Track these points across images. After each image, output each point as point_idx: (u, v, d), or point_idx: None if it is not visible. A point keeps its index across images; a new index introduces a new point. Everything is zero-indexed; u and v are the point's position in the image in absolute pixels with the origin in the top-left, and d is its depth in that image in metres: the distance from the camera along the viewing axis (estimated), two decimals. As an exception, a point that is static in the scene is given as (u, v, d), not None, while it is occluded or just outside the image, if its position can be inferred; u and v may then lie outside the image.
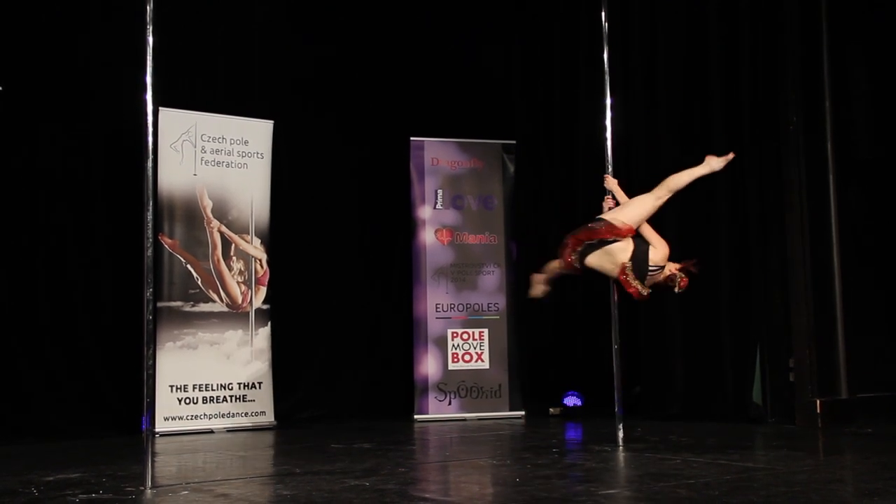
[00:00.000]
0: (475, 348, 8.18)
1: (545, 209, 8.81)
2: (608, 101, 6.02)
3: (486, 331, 8.22)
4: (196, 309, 7.37)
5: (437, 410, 8.03)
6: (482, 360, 8.17)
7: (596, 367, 8.02)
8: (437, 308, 8.17)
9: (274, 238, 7.82)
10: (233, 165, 7.66)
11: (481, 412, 8.06)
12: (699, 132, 7.70)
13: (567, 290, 8.53)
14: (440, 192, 8.33)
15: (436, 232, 8.28)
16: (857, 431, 6.34)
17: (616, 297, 5.83)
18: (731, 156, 5.81)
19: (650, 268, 5.42)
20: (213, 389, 7.35)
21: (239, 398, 7.45)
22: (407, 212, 8.40)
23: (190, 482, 4.60)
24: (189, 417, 7.22)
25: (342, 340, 8.48)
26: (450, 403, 8.07)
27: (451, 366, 8.12)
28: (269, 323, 7.70)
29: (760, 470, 4.66)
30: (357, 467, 4.94)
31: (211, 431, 7.25)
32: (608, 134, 6.01)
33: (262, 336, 7.64)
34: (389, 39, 8.85)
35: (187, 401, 7.23)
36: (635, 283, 5.40)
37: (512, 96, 9.10)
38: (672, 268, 5.45)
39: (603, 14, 6.08)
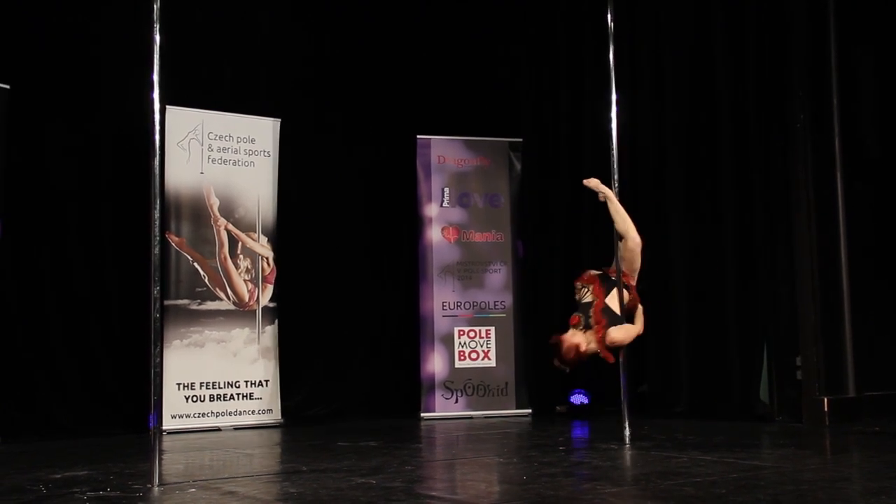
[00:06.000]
0: (482, 346, 8.18)
1: (552, 207, 8.80)
2: (613, 97, 6.00)
3: (492, 329, 8.23)
4: (203, 307, 7.39)
5: (444, 408, 8.04)
6: (489, 358, 8.18)
7: (602, 366, 7.99)
8: (443, 306, 8.17)
9: (281, 236, 7.84)
10: (239, 164, 7.67)
11: (488, 410, 8.06)
12: (706, 130, 7.69)
13: (573, 288, 8.51)
14: (447, 189, 8.34)
15: (442, 230, 8.29)
16: (864, 430, 6.32)
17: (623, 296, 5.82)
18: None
19: None
20: (219, 387, 7.36)
21: (246, 396, 7.47)
22: (413, 210, 8.40)
23: (197, 480, 4.61)
24: (196, 415, 7.24)
25: (349, 338, 8.48)
26: (456, 401, 8.08)
27: (458, 364, 8.13)
28: (276, 321, 7.71)
29: (767, 468, 4.65)
30: (364, 465, 4.94)
31: (218, 429, 7.26)
32: (613, 125, 5.97)
33: (269, 334, 7.66)
34: (396, 38, 8.85)
35: (194, 399, 7.25)
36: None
37: (518, 94, 9.09)
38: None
39: (609, 13, 6.05)
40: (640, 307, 5.52)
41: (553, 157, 8.84)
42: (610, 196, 5.70)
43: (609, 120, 6.00)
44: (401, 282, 8.75)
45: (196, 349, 7.32)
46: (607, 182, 5.92)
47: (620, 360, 5.81)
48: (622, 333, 5.39)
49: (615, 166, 5.97)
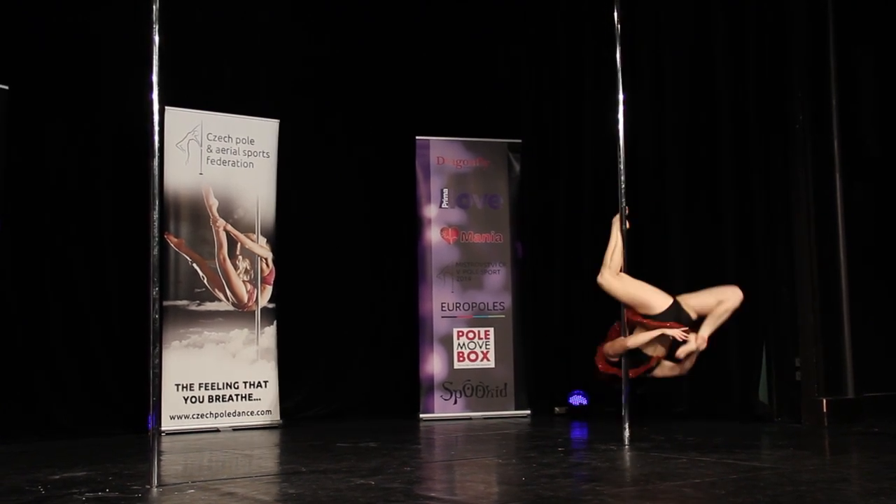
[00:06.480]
0: (481, 347, 8.18)
1: (551, 208, 8.80)
2: (620, 97, 5.96)
3: (491, 330, 8.22)
4: (202, 308, 7.38)
5: (443, 409, 8.03)
6: (488, 359, 8.17)
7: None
8: (442, 307, 8.17)
9: (280, 237, 7.83)
10: (239, 164, 7.67)
11: (487, 411, 8.06)
12: (706, 130, 7.68)
13: (573, 289, 8.53)
14: (446, 191, 8.34)
15: (441, 231, 8.29)
16: (863, 430, 6.33)
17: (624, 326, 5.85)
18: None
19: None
20: (218, 388, 7.36)
21: (245, 397, 7.46)
22: (412, 211, 8.40)
23: (196, 481, 4.61)
24: (195, 416, 7.23)
25: (348, 339, 8.48)
26: (455, 402, 8.07)
27: (457, 365, 8.12)
28: (275, 322, 7.71)
29: (766, 469, 4.65)
30: (363, 466, 4.94)
31: (217, 430, 7.26)
32: (620, 127, 5.94)
33: (268, 335, 7.65)
34: (395, 38, 8.84)
35: (193, 399, 7.25)
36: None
37: (518, 95, 9.09)
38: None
39: (616, 13, 6.03)
40: (666, 332, 5.60)
41: (553, 157, 8.84)
42: (613, 231, 5.81)
43: (615, 120, 5.96)
44: (400, 282, 8.75)
45: (195, 350, 7.31)
46: (613, 182, 5.92)
47: (622, 360, 5.80)
48: (608, 345, 5.74)
49: (622, 167, 5.91)
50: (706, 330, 5.54)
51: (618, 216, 5.87)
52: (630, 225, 5.91)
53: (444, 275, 8.22)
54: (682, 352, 5.54)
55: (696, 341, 5.50)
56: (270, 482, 4.68)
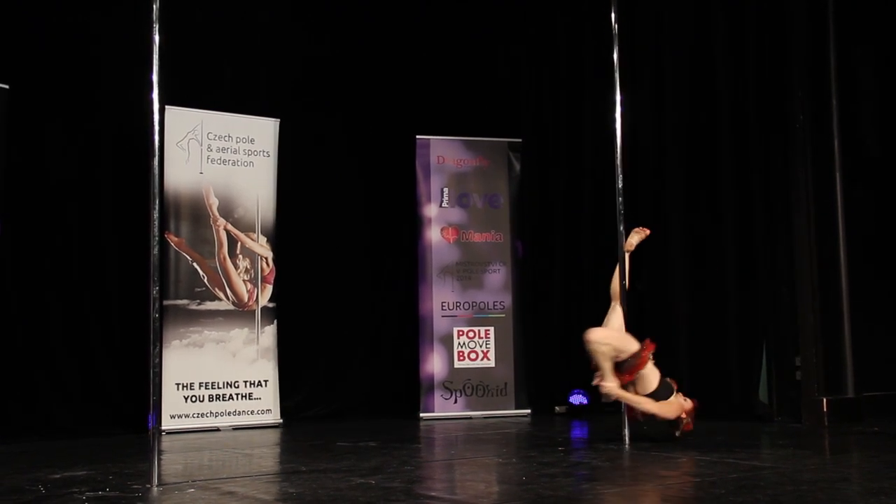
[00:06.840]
0: (481, 346, 8.18)
1: (551, 207, 8.80)
2: (618, 97, 5.96)
3: (491, 329, 8.22)
4: (202, 307, 7.38)
5: (443, 409, 8.04)
6: (488, 359, 8.17)
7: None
8: (442, 306, 8.17)
9: (280, 236, 7.83)
10: (239, 164, 7.67)
11: (487, 410, 8.06)
12: (706, 130, 7.68)
13: (573, 289, 8.53)
14: (446, 190, 8.34)
15: (441, 230, 8.29)
16: (863, 430, 6.32)
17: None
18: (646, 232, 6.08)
19: None
20: (219, 387, 7.36)
21: (245, 396, 7.47)
22: (413, 210, 8.40)
23: (196, 480, 4.61)
24: (195, 415, 7.23)
25: (348, 338, 8.48)
26: (455, 402, 8.07)
27: (457, 364, 8.12)
28: (275, 321, 7.71)
29: (767, 469, 4.65)
30: (363, 465, 4.94)
31: (217, 429, 7.26)
32: (618, 125, 5.95)
33: (268, 334, 7.66)
34: (395, 38, 8.84)
35: (193, 399, 7.25)
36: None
37: (518, 94, 9.09)
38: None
39: (613, 14, 6.02)
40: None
41: (553, 157, 8.84)
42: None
43: (613, 120, 5.97)
44: (400, 282, 8.75)
45: (195, 349, 7.32)
46: (611, 181, 5.93)
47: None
48: None
49: (619, 168, 5.92)
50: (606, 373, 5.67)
51: (632, 235, 5.97)
52: (634, 248, 6.02)
53: (445, 274, 8.22)
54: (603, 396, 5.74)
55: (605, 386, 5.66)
56: (270, 481, 4.68)
